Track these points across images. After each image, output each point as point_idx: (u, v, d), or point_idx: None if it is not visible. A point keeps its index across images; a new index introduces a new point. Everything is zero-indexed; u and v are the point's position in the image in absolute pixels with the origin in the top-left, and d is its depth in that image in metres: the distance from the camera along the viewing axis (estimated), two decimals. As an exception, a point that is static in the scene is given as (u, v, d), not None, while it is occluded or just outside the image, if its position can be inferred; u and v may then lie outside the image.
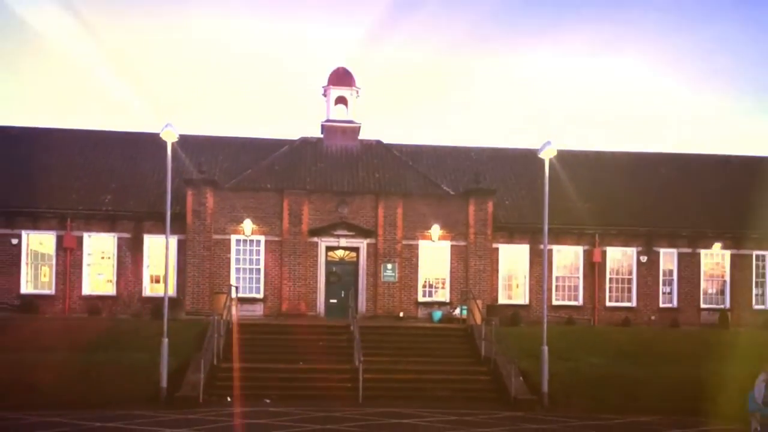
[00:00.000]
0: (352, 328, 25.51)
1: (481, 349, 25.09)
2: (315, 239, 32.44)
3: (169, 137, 22.25)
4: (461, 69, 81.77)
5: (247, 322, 27.86)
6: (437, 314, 31.68)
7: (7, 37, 76.87)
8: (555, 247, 33.93)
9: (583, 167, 37.02)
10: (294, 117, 77.67)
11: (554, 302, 33.78)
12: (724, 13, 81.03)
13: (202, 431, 17.09)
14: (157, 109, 77.31)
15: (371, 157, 35.66)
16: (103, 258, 33.04)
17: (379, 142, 36.51)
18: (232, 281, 31.41)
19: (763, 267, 35.55)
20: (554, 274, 34.27)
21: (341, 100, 36.05)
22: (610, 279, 34.83)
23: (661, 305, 34.88)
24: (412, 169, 35.24)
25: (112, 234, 32.85)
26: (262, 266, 32.29)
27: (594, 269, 34.46)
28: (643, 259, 34.85)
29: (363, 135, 36.33)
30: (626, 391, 22.18)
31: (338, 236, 32.64)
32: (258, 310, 31.93)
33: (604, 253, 34.64)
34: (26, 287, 32.44)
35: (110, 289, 32.76)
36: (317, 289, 32.42)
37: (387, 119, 74.97)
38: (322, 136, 36.14)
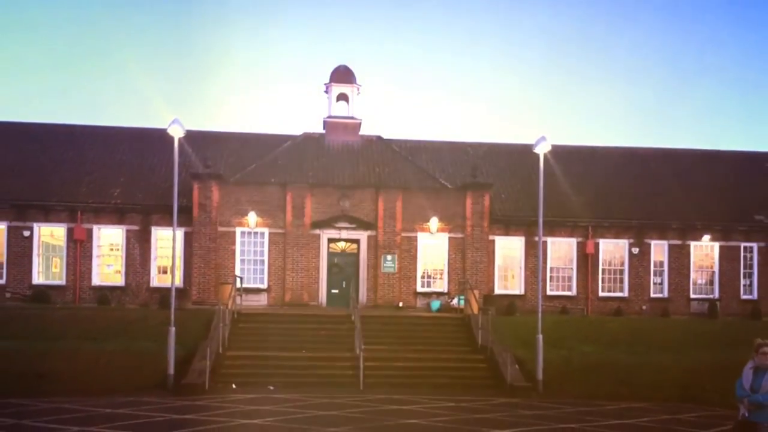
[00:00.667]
0: (353, 317, 25.85)
1: (477, 338, 25.37)
2: (317, 231, 32.94)
3: (176, 133, 22.56)
4: (460, 67, 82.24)
5: (251, 312, 28.32)
6: (435, 304, 32.12)
7: (15, 35, 77.35)
8: (549, 239, 34.19)
9: (577, 162, 37.38)
10: (296, 113, 78.21)
11: (549, 292, 34.18)
12: (717, 12, 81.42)
13: (207, 417, 17.20)
14: (165, 105, 77.94)
15: (372, 152, 35.74)
16: (112, 250, 33.53)
17: (379, 138, 36.60)
18: (237, 272, 31.79)
19: (751, 258, 35.96)
20: (549, 265, 34.64)
21: (343, 97, 36.12)
22: (603, 270, 35.26)
23: (652, 295, 35.31)
24: (411, 163, 35.38)
25: (121, 226, 33.34)
26: (266, 257, 32.78)
27: (587, 260, 34.95)
28: (635, 250, 35.30)
29: (364, 131, 36.42)
30: (619, 378, 22.47)
31: (340, 228, 33.13)
32: (262, 300, 32.45)
33: (597, 245, 35.07)
34: (38, 278, 32.97)
35: (119, 280, 33.28)
36: (319, 279, 32.89)
37: (387, 115, 75.50)
38: (324, 131, 36.21)
